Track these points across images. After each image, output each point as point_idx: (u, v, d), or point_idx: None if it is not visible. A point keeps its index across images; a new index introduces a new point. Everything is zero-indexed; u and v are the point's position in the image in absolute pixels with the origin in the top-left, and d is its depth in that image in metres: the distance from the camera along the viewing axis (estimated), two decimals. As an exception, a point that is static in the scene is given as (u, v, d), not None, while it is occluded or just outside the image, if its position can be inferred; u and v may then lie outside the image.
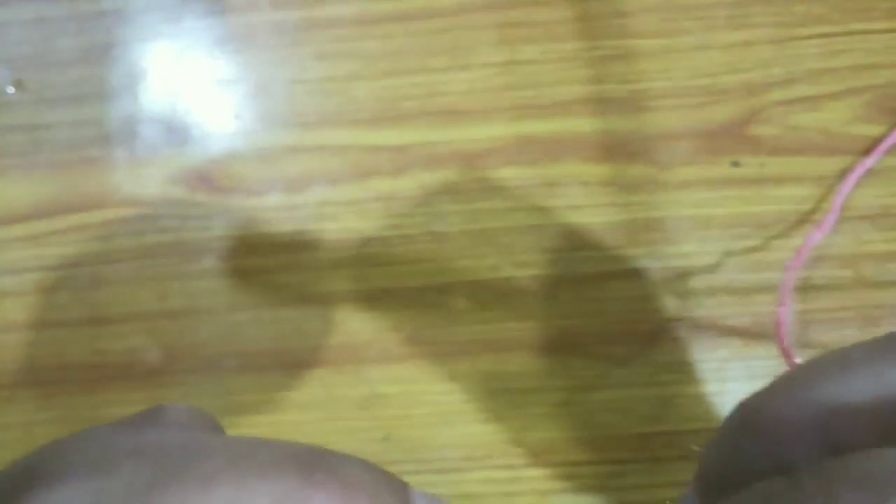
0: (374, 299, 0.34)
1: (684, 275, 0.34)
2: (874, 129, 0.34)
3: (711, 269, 0.34)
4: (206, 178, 0.36)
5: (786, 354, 0.29)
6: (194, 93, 0.37)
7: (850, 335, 0.32)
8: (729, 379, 0.33)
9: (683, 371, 0.33)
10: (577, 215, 0.34)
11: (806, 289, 0.33)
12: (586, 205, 0.34)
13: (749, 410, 0.17)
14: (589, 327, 0.33)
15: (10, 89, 0.37)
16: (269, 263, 0.35)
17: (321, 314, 0.34)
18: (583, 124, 0.35)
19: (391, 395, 0.33)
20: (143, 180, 0.36)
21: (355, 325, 0.34)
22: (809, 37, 0.35)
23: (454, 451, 0.33)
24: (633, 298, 0.33)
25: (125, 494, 0.13)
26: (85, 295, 0.35)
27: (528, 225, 0.34)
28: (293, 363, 0.34)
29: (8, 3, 0.38)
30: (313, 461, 0.15)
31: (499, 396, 0.33)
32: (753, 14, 0.35)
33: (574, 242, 0.34)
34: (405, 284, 0.34)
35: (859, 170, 0.33)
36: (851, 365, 0.16)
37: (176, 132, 0.36)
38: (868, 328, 0.32)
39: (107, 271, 0.35)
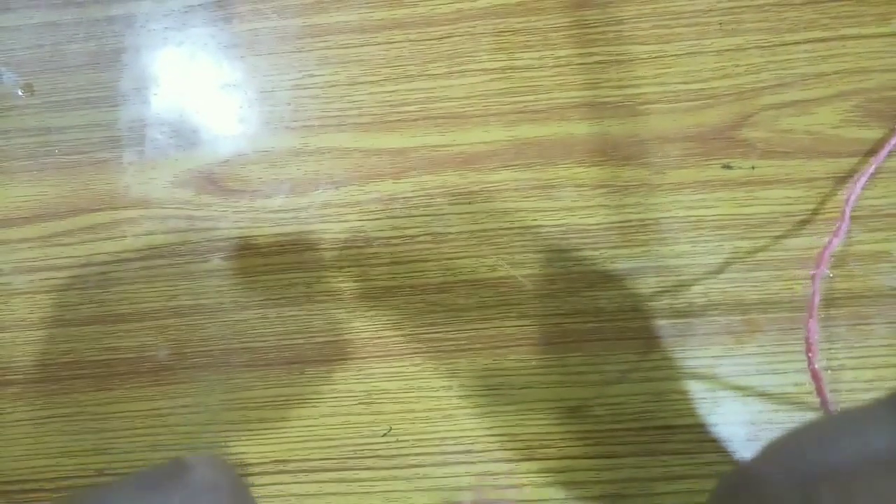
0: (375, 298, 0.35)
1: (677, 274, 0.34)
2: (864, 133, 0.34)
3: (703, 268, 0.34)
4: (213, 180, 0.36)
5: (815, 377, 0.28)
6: (201, 97, 0.37)
7: (838, 333, 0.33)
8: (721, 375, 0.33)
9: (676, 367, 0.34)
10: (572, 216, 0.35)
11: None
12: (581, 206, 0.35)
13: (740, 476, 0.18)
14: (584, 325, 0.34)
15: (20, 93, 0.38)
16: (274, 263, 0.35)
17: (325, 312, 0.35)
18: (578, 128, 0.35)
19: (393, 391, 0.34)
20: (151, 182, 0.36)
21: (358, 323, 0.35)
22: (800, 42, 0.35)
23: (454, 444, 0.34)
24: (627, 297, 0.34)
25: None
26: (94, 294, 0.36)
27: (526, 226, 0.35)
28: (298, 359, 0.35)
29: (17, 9, 0.38)
30: None
31: (497, 392, 0.34)
32: (745, 20, 0.36)
33: (570, 243, 0.35)
34: (406, 283, 0.35)
35: (865, 175, 0.33)
36: (838, 434, 0.16)
37: (184, 135, 0.37)
38: (857, 327, 0.33)
39: (116, 271, 0.36)
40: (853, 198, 0.33)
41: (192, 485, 0.18)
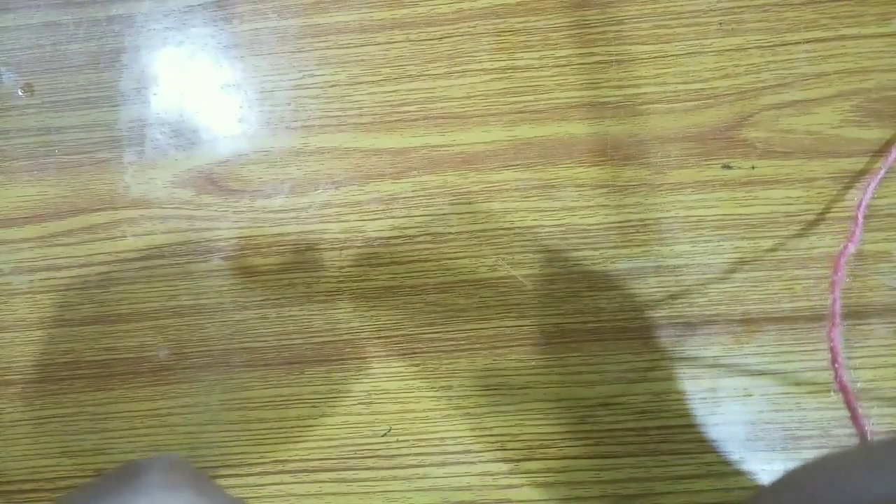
0: (375, 298, 0.35)
1: (677, 274, 0.34)
2: (864, 133, 0.34)
3: (703, 268, 0.34)
4: (214, 180, 0.36)
5: (843, 389, 0.27)
6: (201, 97, 0.37)
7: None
8: (721, 375, 0.33)
9: (676, 367, 0.34)
10: (572, 216, 0.35)
11: (795, 288, 0.34)
12: (581, 206, 0.35)
13: (790, 490, 0.18)
14: (584, 325, 0.34)
15: (20, 93, 0.38)
16: (274, 263, 0.35)
17: (325, 312, 0.35)
18: (578, 128, 0.35)
19: (393, 391, 0.34)
20: (151, 182, 0.36)
21: (358, 323, 0.35)
22: (800, 42, 0.35)
23: (454, 445, 0.34)
24: (627, 297, 0.34)
25: None
26: (94, 294, 0.36)
27: (525, 226, 0.35)
28: (298, 359, 0.35)
29: (17, 9, 0.38)
30: None
31: (496, 392, 0.34)
32: (745, 20, 0.36)
33: (570, 243, 0.35)
34: (406, 283, 0.35)
35: (876, 178, 0.33)
36: (858, 470, 0.16)
37: (184, 135, 0.37)
38: (857, 327, 0.33)
39: (116, 271, 0.36)
40: (865, 201, 0.32)
41: (151, 486, 0.18)
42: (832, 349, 0.28)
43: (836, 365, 0.28)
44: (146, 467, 0.19)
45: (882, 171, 0.33)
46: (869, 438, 0.26)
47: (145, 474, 0.18)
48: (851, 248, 0.31)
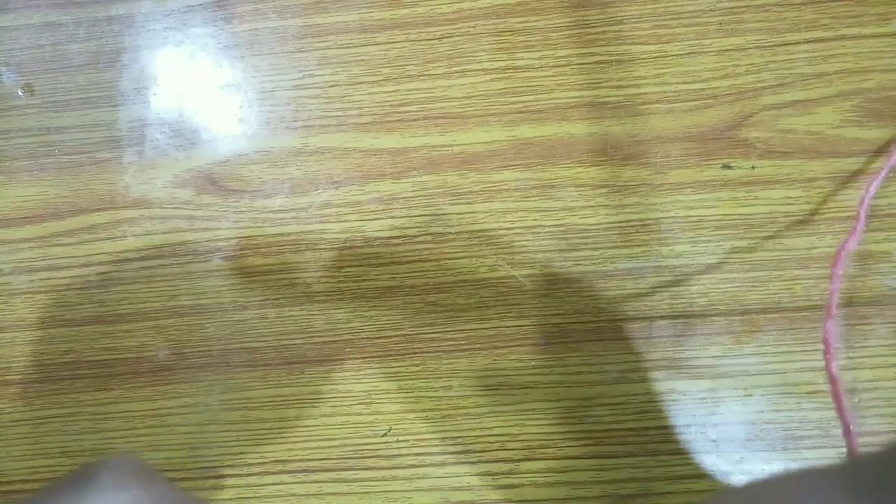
0: (375, 298, 0.35)
1: (677, 274, 0.34)
2: (864, 133, 0.34)
3: (703, 268, 0.34)
4: (214, 180, 0.36)
5: (833, 381, 0.27)
6: (201, 97, 0.37)
7: (838, 333, 0.33)
8: (721, 375, 0.33)
9: (676, 367, 0.34)
10: (572, 216, 0.35)
11: (795, 288, 0.34)
12: (581, 206, 0.35)
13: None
14: (584, 325, 0.34)
15: (20, 93, 0.38)
16: (274, 263, 0.35)
17: (325, 312, 0.35)
18: (578, 128, 0.35)
19: (393, 391, 0.34)
20: (151, 182, 0.36)
21: (358, 323, 0.35)
22: (800, 42, 0.35)
23: (453, 445, 0.34)
24: (627, 297, 0.34)
25: None
26: (94, 294, 0.36)
27: (525, 226, 0.35)
28: (298, 359, 0.35)
29: (17, 9, 0.38)
30: None
31: (496, 392, 0.34)
32: (745, 20, 0.36)
33: (570, 243, 0.35)
34: (406, 283, 0.35)
35: (880, 176, 0.33)
36: (787, 497, 0.16)
37: (184, 135, 0.37)
38: (857, 327, 0.33)
39: (116, 271, 0.36)
40: (868, 197, 0.32)
41: (102, 490, 0.18)
42: (825, 340, 0.29)
43: (828, 356, 0.28)
44: (99, 470, 0.19)
45: (885, 170, 0.33)
46: (853, 430, 0.26)
47: (95, 478, 0.18)
48: (853, 243, 0.31)
